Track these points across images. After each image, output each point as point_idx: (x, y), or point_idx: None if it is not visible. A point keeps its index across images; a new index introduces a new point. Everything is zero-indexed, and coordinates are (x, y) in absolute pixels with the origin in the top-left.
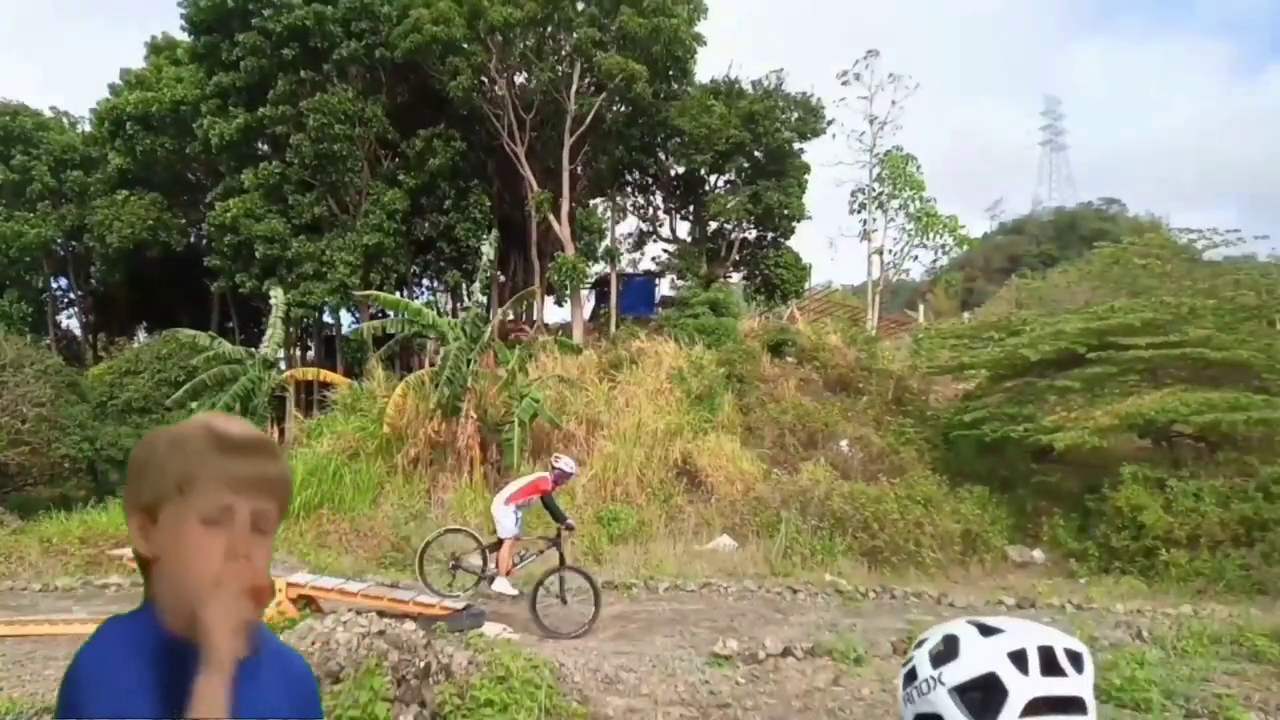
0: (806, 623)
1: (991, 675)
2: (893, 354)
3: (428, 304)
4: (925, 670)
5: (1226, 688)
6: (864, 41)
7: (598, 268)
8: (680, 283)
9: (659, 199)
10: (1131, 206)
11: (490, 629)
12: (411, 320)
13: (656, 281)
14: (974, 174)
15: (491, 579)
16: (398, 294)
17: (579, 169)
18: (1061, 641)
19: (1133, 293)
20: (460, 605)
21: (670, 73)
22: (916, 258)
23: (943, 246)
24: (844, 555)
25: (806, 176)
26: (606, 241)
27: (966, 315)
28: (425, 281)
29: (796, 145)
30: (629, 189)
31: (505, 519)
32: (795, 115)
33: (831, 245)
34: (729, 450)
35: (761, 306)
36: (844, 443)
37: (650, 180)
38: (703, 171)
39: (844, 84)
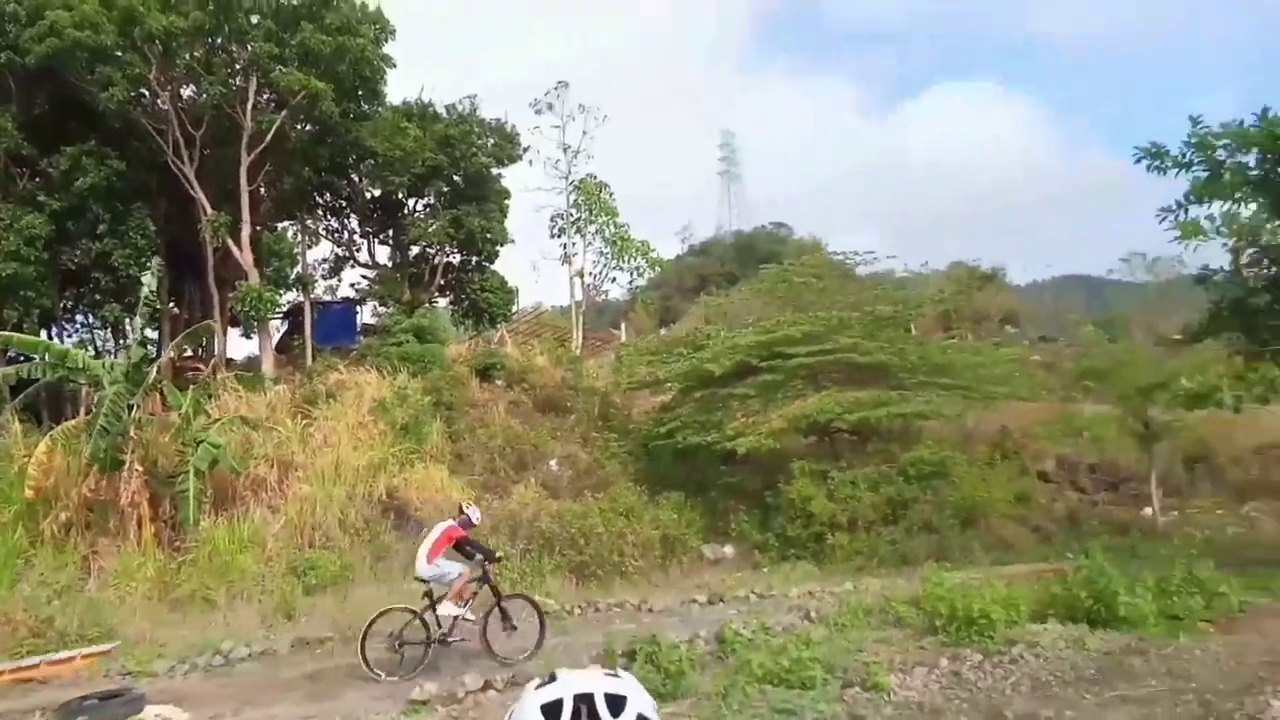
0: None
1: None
2: (597, 372)
3: (81, 343)
4: None
5: (875, 655)
6: (556, 72)
7: (290, 296)
8: (383, 309)
9: (355, 222)
10: (798, 230)
11: (154, 711)
12: (56, 364)
13: (357, 309)
14: (662, 200)
15: (443, 640)
16: (43, 333)
17: (261, 190)
18: (606, 688)
19: (796, 308)
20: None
21: (359, 93)
22: (615, 279)
23: (637, 268)
24: (553, 575)
25: (507, 201)
26: (299, 267)
27: (663, 331)
28: (81, 317)
29: (495, 170)
30: (321, 212)
31: (443, 569)
32: (492, 141)
33: (535, 268)
34: (438, 480)
35: (470, 331)
36: (553, 462)
37: (344, 203)
38: (400, 194)
39: (537, 113)
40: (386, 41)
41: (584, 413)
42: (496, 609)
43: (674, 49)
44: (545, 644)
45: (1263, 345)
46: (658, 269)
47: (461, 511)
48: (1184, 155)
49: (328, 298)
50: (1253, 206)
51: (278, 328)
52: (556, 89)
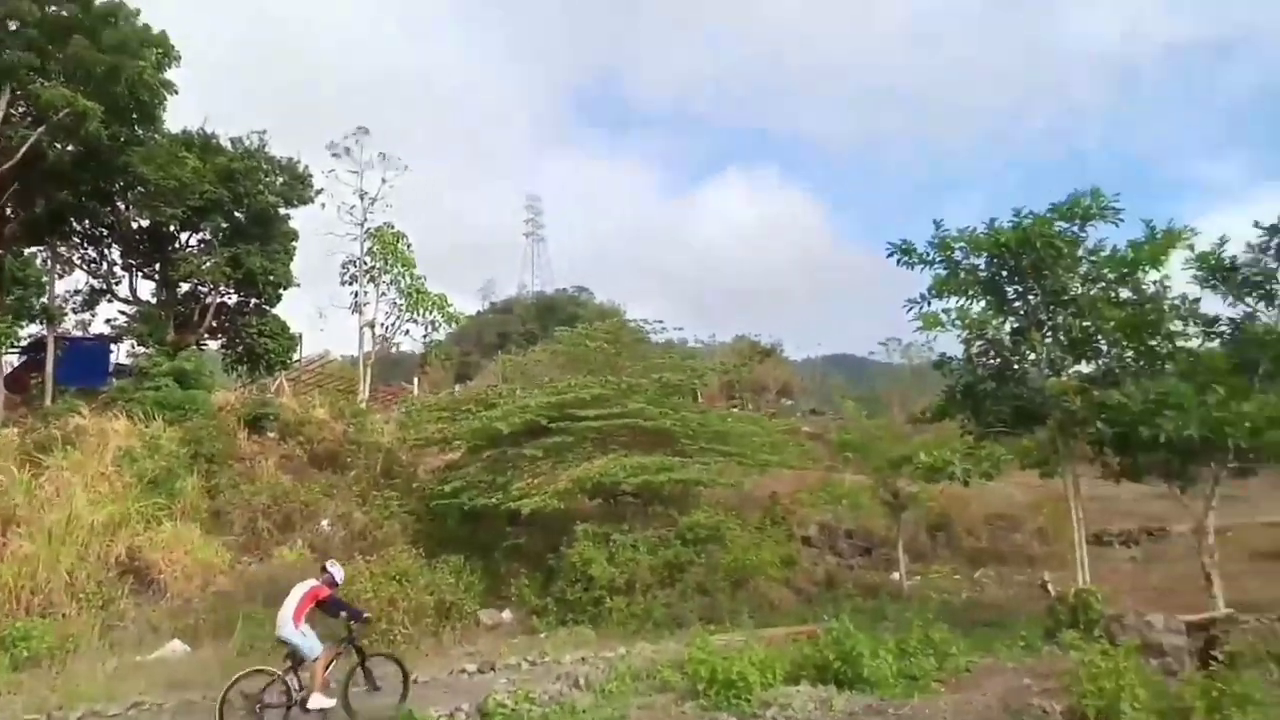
0: None
1: None
2: (383, 426)
3: None
4: None
5: None
6: (354, 118)
7: (33, 328)
8: (141, 349)
9: (116, 253)
10: (598, 295)
11: None
12: None
13: (111, 347)
14: (462, 255)
15: (303, 702)
16: None
17: (8, 210)
18: None
19: (589, 370)
20: None
21: (134, 116)
22: (408, 331)
23: (433, 322)
24: None
25: (294, 243)
26: (45, 298)
27: (458, 388)
28: None
29: (283, 210)
30: (78, 239)
31: (306, 639)
32: (281, 180)
33: (322, 315)
34: (189, 540)
35: (245, 378)
36: (325, 522)
37: (105, 231)
38: (172, 227)
39: (334, 156)
40: (170, 67)
41: (365, 469)
42: (359, 669)
43: (481, 110)
44: (408, 700)
45: (988, 427)
46: (455, 324)
47: (325, 570)
48: (928, 254)
49: (78, 333)
50: (981, 303)
51: (10, 362)
52: (355, 134)
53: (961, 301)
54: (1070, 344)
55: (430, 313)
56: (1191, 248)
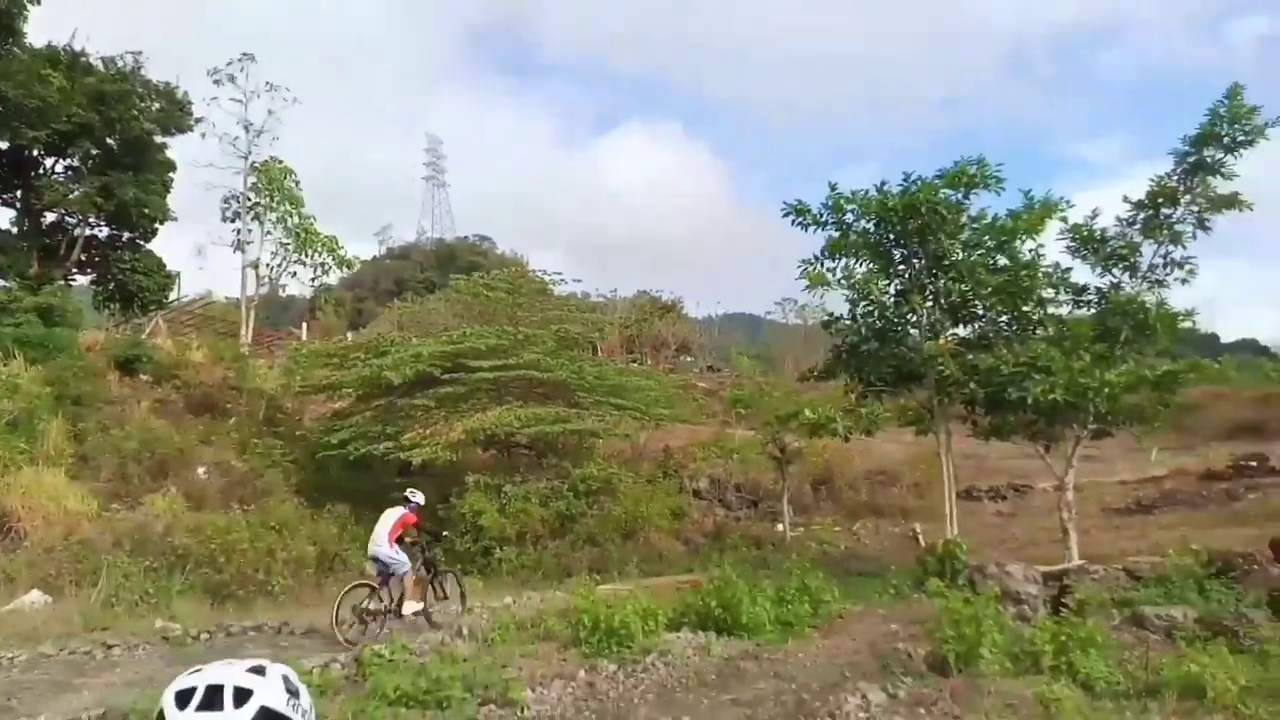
0: (114, 682)
1: (160, 711)
2: (267, 372)
3: None
4: None
5: (519, 670)
6: (240, 44)
7: None
8: (1, 283)
9: None
10: (500, 244)
11: None
12: None
13: None
14: (358, 197)
15: (398, 609)
16: None
17: None
18: (237, 681)
19: (486, 320)
20: None
21: None
22: (295, 274)
23: (322, 265)
24: (183, 596)
25: (171, 175)
26: None
27: (350, 335)
28: None
29: (159, 139)
30: None
31: (398, 557)
32: (157, 105)
33: (201, 253)
34: (51, 486)
35: (116, 317)
36: (202, 469)
37: None
38: (36, 151)
39: (216, 83)
40: None
41: (247, 416)
42: (432, 583)
43: (378, 43)
44: (466, 604)
45: (870, 385)
46: (346, 268)
47: (409, 500)
48: (821, 215)
49: None
50: (868, 265)
51: None
52: (241, 60)
53: (850, 262)
54: (949, 308)
55: (320, 255)
56: (1065, 219)
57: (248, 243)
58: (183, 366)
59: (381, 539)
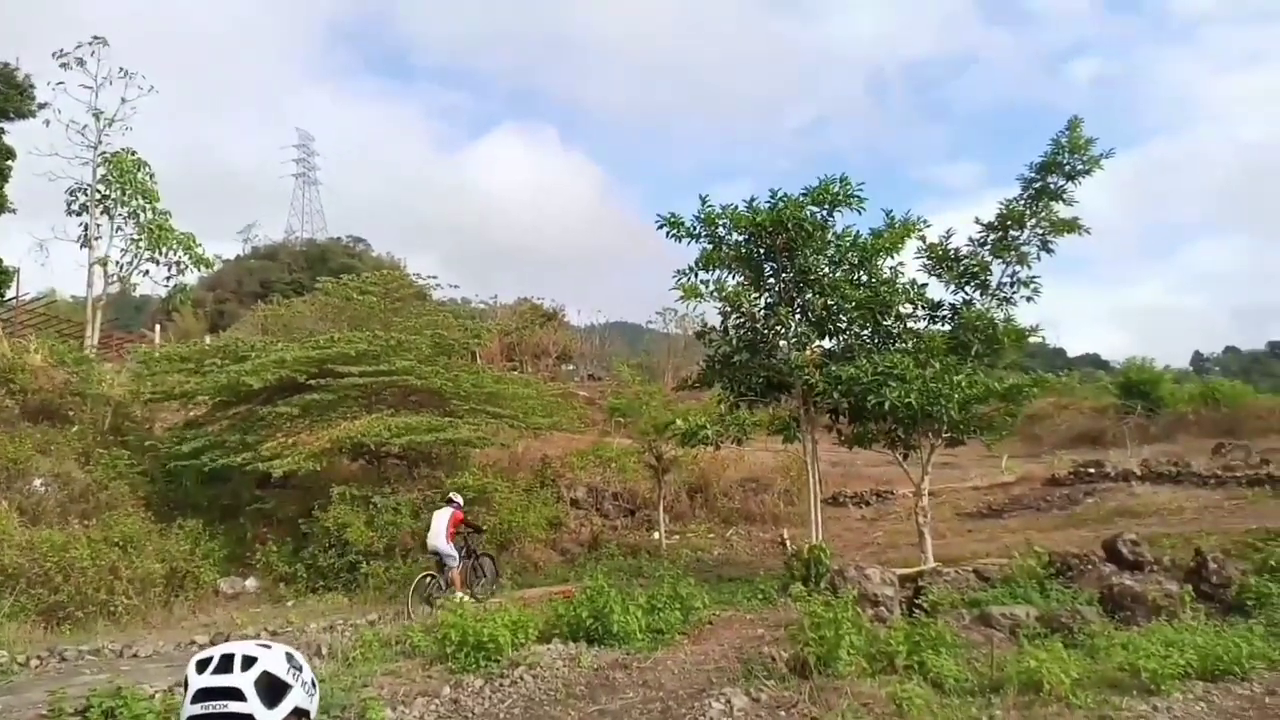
0: None
1: (186, 676)
2: (114, 378)
3: None
4: None
5: (380, 689)
6: (92, 27)
7: None
8: None
9: None
10: (375, 247)
11: None
12: None
13: None
14: (220, 195)
15: (451, 592)
16: None
17: None
18: (246, 651)
19: (356, 324)
20: None
21: None
22: (148, 273)
23: (178, 263)
24: (12, 619)
25: (10, 163)
26: None
27: (209, 338)
28: None
29: None
30: None
31: (452, 551)
32: None
33: (42, 248)
34: None
35: None
36: (38, 481)
37: None
38: None
39: (63, 66)
40: None
41: (90, 424)
42: (473, 567)
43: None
44: (500, 581)
45: (742, 395)
46: (205, 267)
47: (451, 501)
48: (694, 228)
49: None
50: (739, 278)
51: None
52: (92, 44)
53: (722, 275)
54: (815, 321)
55: (175, 253)
56: (923, 239)
57: (96, 238)
58: (18, 370)
59: (439, 535)
